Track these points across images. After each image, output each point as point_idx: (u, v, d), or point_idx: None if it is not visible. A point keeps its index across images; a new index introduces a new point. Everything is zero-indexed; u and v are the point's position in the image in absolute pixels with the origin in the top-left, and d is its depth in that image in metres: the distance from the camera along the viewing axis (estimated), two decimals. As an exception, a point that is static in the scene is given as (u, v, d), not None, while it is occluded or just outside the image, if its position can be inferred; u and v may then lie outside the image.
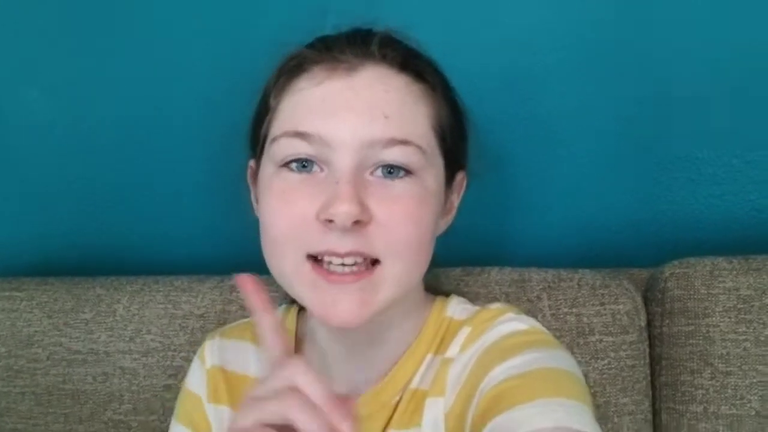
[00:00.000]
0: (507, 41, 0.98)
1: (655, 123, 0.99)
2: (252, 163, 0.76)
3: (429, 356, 0.72)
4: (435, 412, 0.68)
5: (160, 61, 1.04)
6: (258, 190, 0.72)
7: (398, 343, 0.73)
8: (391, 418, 0.70)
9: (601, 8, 0.96)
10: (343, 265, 0.64)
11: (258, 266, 0.97)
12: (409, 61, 0.69)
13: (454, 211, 0.77)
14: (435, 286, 0.80)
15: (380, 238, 0.64)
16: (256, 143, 0.73)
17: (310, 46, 0.71)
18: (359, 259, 0.64)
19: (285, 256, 0.67)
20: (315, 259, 0.65)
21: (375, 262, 0.65)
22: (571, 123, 1.00)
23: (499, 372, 0.62)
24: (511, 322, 0.69)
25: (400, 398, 0.71)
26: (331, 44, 0.69)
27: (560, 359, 0.65)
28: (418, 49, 0.72)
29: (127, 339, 0.95)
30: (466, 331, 0.71)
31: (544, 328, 0.69)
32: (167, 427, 0.93)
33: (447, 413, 0.67)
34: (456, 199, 0.77)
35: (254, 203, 0.76)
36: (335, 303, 0.64)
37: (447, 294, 0.78)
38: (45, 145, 1.09)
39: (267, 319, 0.54)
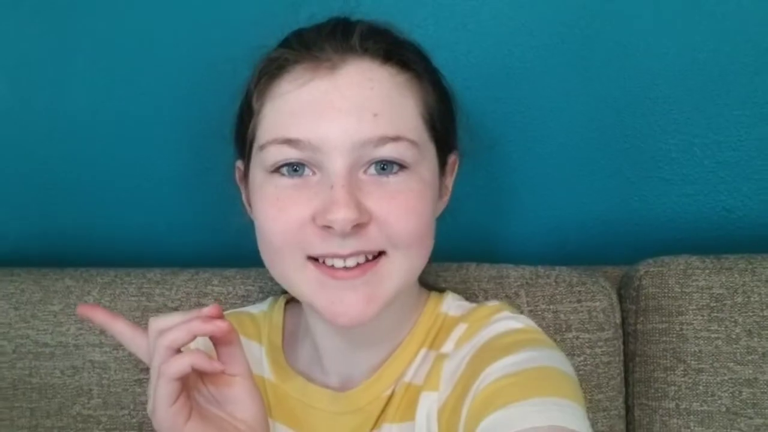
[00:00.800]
0: (483, 39, 0.98)
1: (630, 123, 1.00)
2: (239, 164, 0.74)
3: (423, 351, 0.72)
4: (428, 406, 0.68)
5: (133, 48, 1.02)
6: (249, 193, 0.71)
7: (393, 337, 0.73)
8: (383, 411, 0.70)
9: (576, 9, 0.97)
10: (346, 268, 0.64)
11: (231, 257, 0.96)
12: (393, 51, 0.67)
13: (449, 194, 0.76)
14: (427, 280, 0.80)
15: (382, 234, 0.64)
16: (242, 145, 0.71)
17: (288, 44, 0.68)
18: (361, 259, 0.64)
19: (285, 261, 0.66)
20: (316, 259, 0.65)
21: (380, 253, 0.65)
22: (547, 122, 1.01)
23: (494, 369, 0.63)
24: (507, 321, 0.69)
25: (393, 392, 0.71)
26: (309, 41, 0.67)
27: (555, 359, 0.65)
28: (400, 37, 0.70)
29: (98, 332, 0.93)
30: (462, 327, 0.71)
31: (538, 328, 0.70)
32: (138, 423, 0.92)
33: (440, 408, 0.67)
34: (450, 181, 0.76)
35: (246, 205, 0.75)
36: (342, 302, 0.64)
37: (441, 290, 0.78)
38: (13, 132, 1.06)
39: (118, 325, 0.63)
